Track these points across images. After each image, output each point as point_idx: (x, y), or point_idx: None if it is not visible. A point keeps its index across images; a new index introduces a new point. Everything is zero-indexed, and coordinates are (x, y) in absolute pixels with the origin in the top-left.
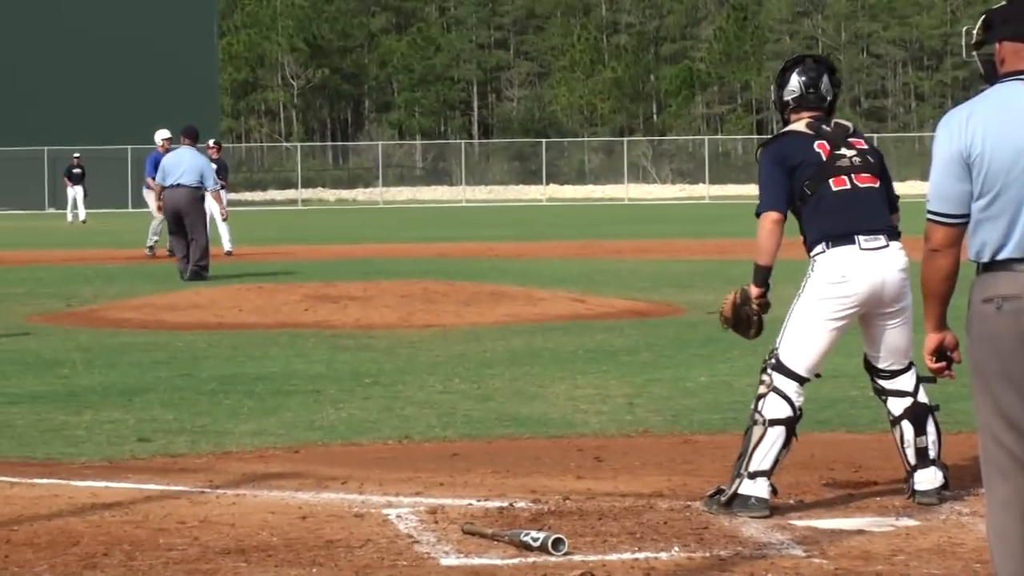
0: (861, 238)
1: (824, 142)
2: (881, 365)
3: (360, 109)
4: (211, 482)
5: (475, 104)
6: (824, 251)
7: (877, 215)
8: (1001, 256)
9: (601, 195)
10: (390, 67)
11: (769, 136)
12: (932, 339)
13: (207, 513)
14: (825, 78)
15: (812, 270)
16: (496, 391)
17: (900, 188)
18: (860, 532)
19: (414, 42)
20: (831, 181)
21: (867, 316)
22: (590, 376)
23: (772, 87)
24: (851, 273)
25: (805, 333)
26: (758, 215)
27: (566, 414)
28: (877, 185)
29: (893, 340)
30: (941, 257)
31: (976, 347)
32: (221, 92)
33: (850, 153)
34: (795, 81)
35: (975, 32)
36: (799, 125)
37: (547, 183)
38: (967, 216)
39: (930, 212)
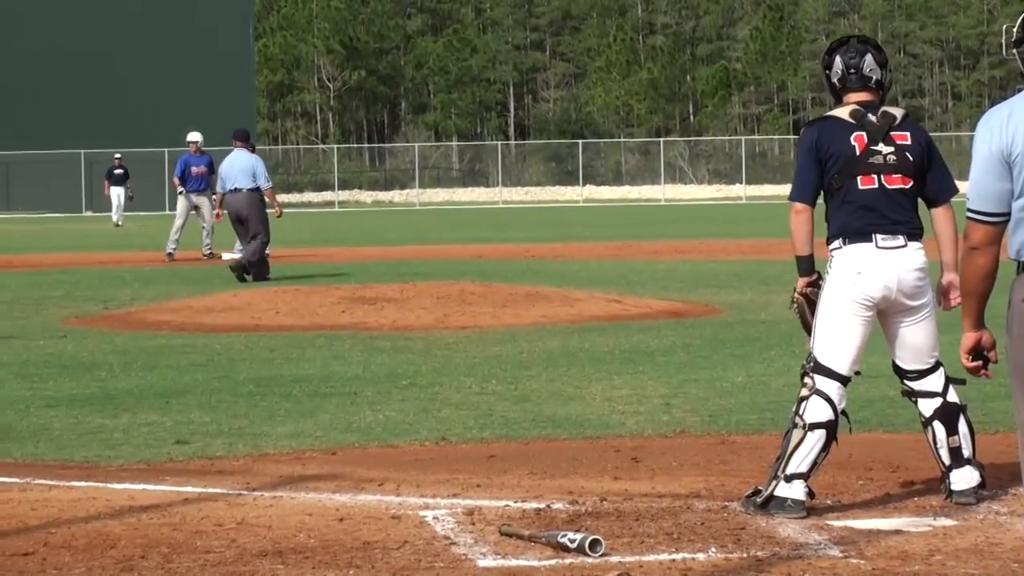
0: (879, 236)
1: (863, 134)
2: (906, 366)
3: (396, 111)
4: (248, 484)
5: (511, 105)
6: (840, 247)
7: (900, 216)
8: None
9: (637, 196)
10: (426, 69)
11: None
12: (969, 338)
13: (244, 515)
14: (868, 57)
15: (829, 266)
16: (533, 392)
17: None
18: (897, 532)
19: (450, 44)
20: (859, 178)
21: (885, 315)
22: (627, 377)
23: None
24: (865, 269)
25: (833, 329)
26: (790, 201)
27: (603, 415)
28: (907, 186)
29: (914, 339)
30: (980, 255)
31: (1017, 346)
32: (257, 94)
33: (887, 150)
34: (838, 63)
35: (1015, 29)
36: (844, 111)
37: (583, 184)
38: (1007, 215)
39: (970, 210)
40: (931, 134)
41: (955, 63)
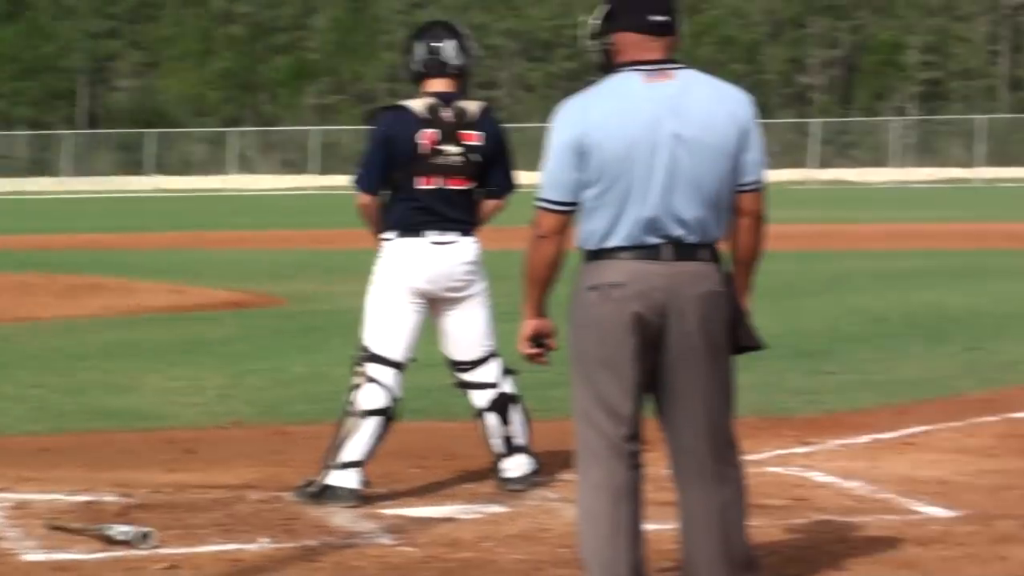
0: (431, 233)
1: (434, 132)
2: (456, 357)
3: None
4: None
5: (83, 94)
6: (393, 239)
7: (457, 215)
8: (608, 244)
9: (207, 186)
10: None
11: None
12: (529, 325)
13: None
14: (450, 43)
15: (379, 256)
16: (89, 384)
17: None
18: (449, 520)
19: (22, 31)
20: (421, 178)
21: (434, 306)
22: (184, 368)
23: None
24: (412, 262)
25: (382, 317)
26: (355, 187)
27: (158, 407)
28: (468, 187)
29: (462, 329)
30: (548, 244)
31: (578, 334)
32: None
33: (454, 151)
34: (419, 49)
35: (593, 21)
36: (419, 103)
37: (154, 174)
38: (576, 204)
39: (541, 199)
40: (505, 125)
41: (529, 55)
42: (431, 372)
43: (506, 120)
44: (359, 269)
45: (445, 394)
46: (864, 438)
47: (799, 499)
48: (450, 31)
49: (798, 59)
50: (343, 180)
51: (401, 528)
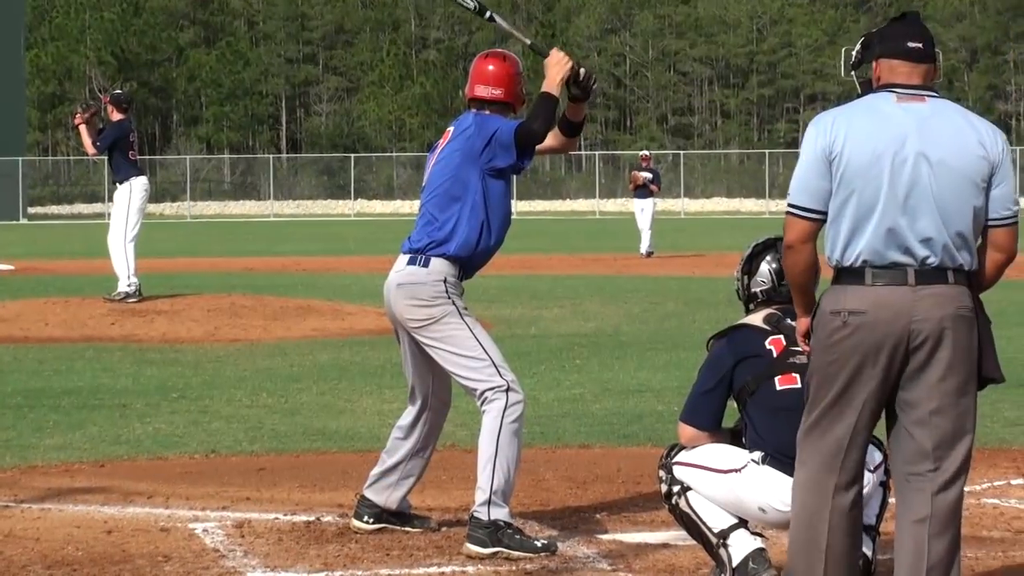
0: None
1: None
2: None
3: (168, 123)
4: (16, 496)
5: (283, 119)
6: None
7: None
8: (848, 259)
9: (409, 210)
10: (198, 81)
11: None
12: (803, 323)
13: (11, 527)
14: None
15: None
16: (303, 405)
17: (706, 205)
18: (665, 546)
19: (223, 56)
20: None
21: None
22: (398, 390)
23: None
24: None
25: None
26: None
27: (373, 428)
28: None
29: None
30: (796, 253)
31: (815, 350)
32: (28, 105)
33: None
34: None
35: (854, 52)
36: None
37: (355, 198)
38: (824, 213)
39: (789, 204)
40: (700, 152)
41: (724, 81)
42: (641, 398)
43: (703, 147)
44: (566, 296)
45: (655, 420)
46: None
47: (1018, 531)
48: None
49: (997, 86)
50: (539, 205)
51: (618, 553)
